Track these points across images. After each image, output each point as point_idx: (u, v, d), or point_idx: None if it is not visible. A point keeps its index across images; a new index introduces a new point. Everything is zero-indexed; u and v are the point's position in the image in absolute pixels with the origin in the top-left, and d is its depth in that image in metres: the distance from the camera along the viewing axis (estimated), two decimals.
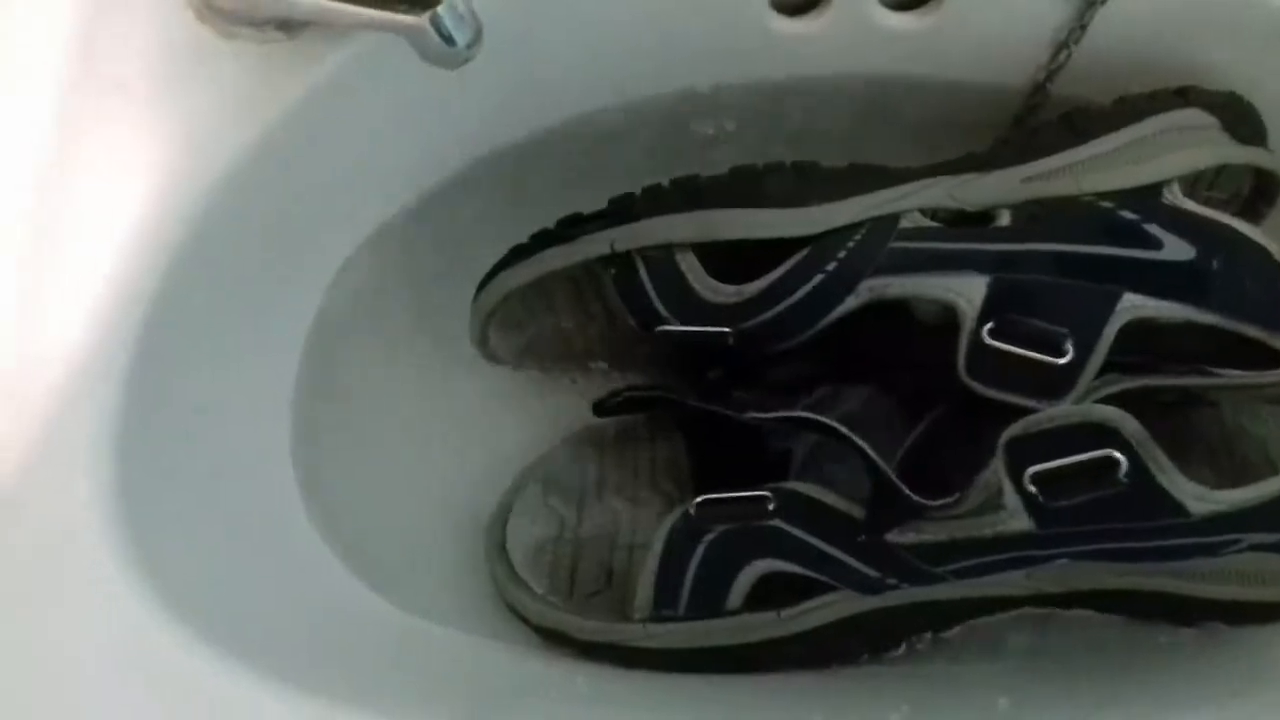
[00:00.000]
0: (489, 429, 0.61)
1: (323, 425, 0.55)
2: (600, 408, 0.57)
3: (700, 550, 0.50)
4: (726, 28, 0.54)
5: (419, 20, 0.38)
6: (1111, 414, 0.44)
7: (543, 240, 0.53)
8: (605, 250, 0.50)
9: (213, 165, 0.44)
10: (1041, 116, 0.55)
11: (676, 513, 0.51)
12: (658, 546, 0.51)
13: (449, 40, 0.39)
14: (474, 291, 0.55)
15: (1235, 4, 0.50)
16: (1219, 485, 0.45)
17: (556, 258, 0.52)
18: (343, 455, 0.57)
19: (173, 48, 0.44)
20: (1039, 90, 0.55)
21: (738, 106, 0.58)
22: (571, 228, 0.52)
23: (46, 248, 0.42)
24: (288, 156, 0.46)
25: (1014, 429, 0.45)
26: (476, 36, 0.39)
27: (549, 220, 0.54)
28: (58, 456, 0.41)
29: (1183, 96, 0.50)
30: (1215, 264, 0.46)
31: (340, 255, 0.55)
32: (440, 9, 0.38)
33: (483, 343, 0.56)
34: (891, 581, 0.48)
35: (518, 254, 0.53)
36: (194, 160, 0.44)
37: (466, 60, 0.40)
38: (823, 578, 0.49)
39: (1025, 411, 0.46)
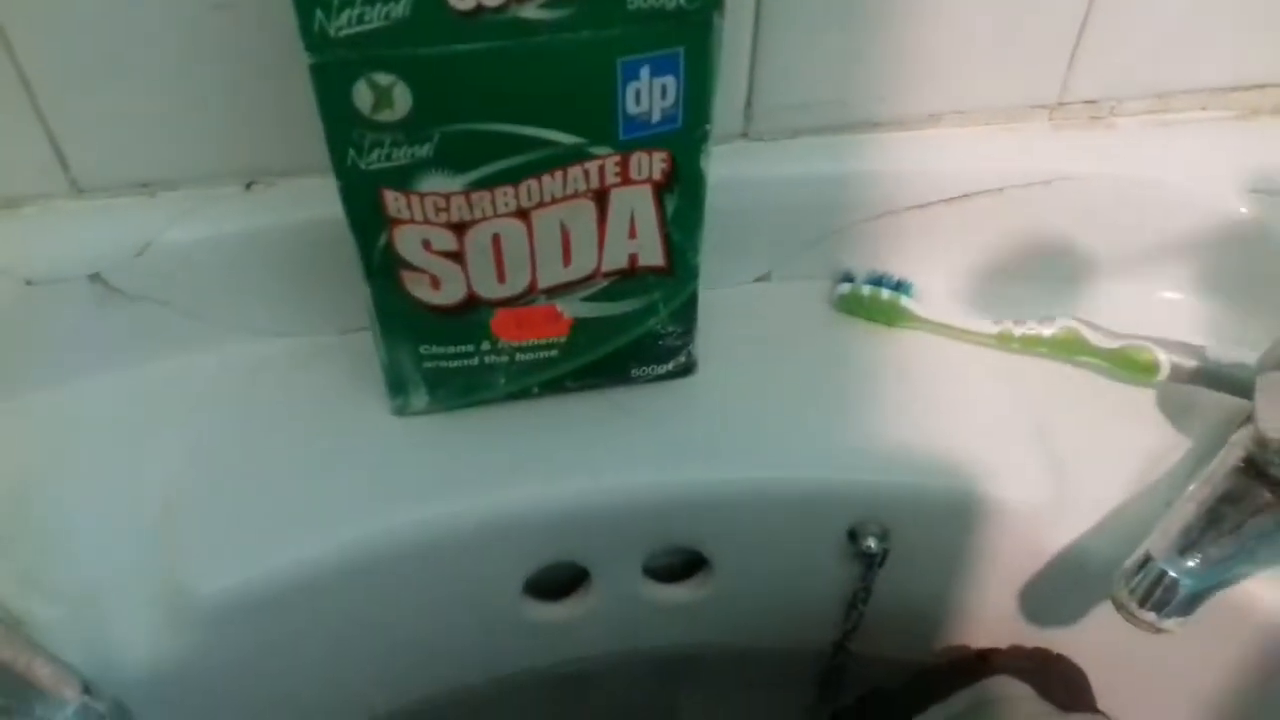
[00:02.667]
0: None
1: None
2: None
3: None
4: (480, 624, 0.47)
5: None
6: None
7: None
8: None
9: None
10: (848, 672, 0.48)
11: None
12: None
13: None
14: None
15: (1011, 549, 0.46)
16: None
17: None
18: None
19: None
20: (840, 649, 0.49)
21: (529, 689, 0.51)
22: None
23: None
24: None
25: None
26: None
27: None
28: None
29: (986, 662, 0.44)
30: None
31: None
32: None
33: None
34: None
35: None
36: None
37: None
38: None
39: None
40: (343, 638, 0.45)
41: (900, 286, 0.50)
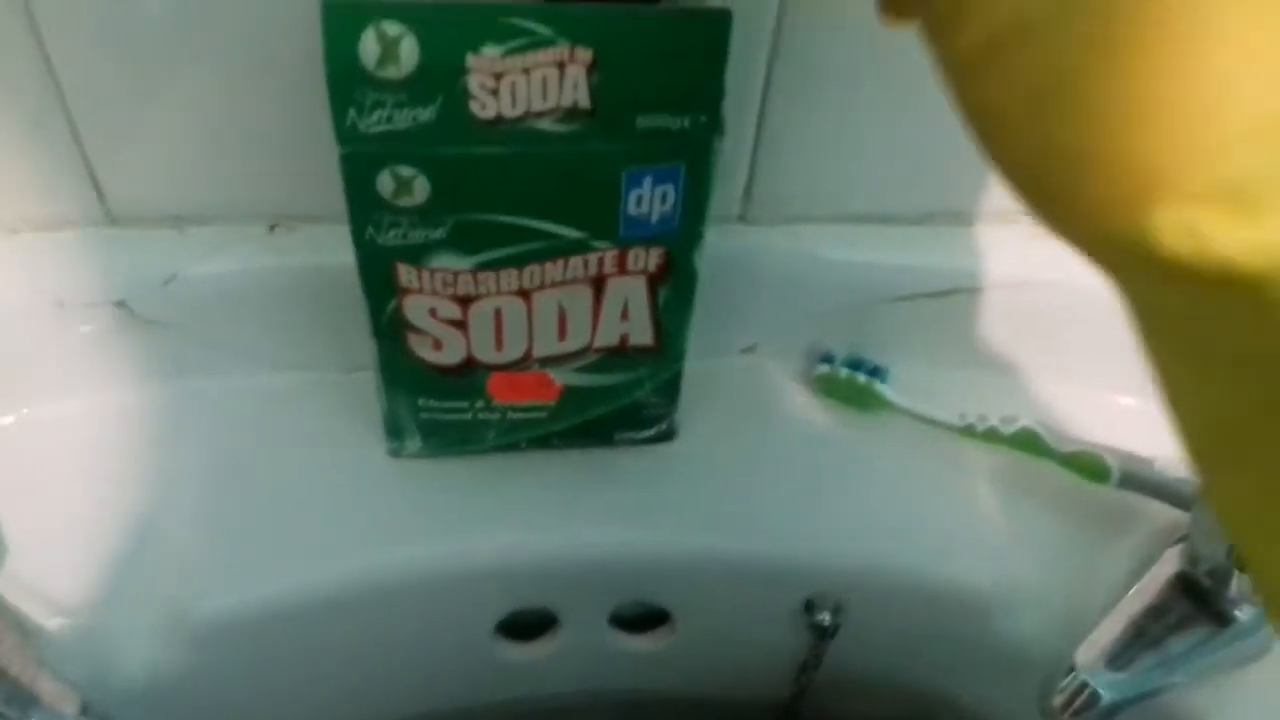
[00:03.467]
0: None
1: None
2: None
3: None
4: (453, 659, 0.50)
5: None
6: None
7: None
8: None
9: None
10: None
11: None
12: None
13: None
14: None
15: (957, 636, 0.49)
16: None
17: None
18: None
19: None
20: (790, 710, 0.52)
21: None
22: None
23: None
24: None
25: None
26: None
27: None
28: None
29: None
30: None
31: None
32: None
33: None
34: None
35: None
36: None
37: None
38: None
39: None
40: (324, 664, 0.48)
41: (876, 372, 0.53)
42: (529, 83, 0.35)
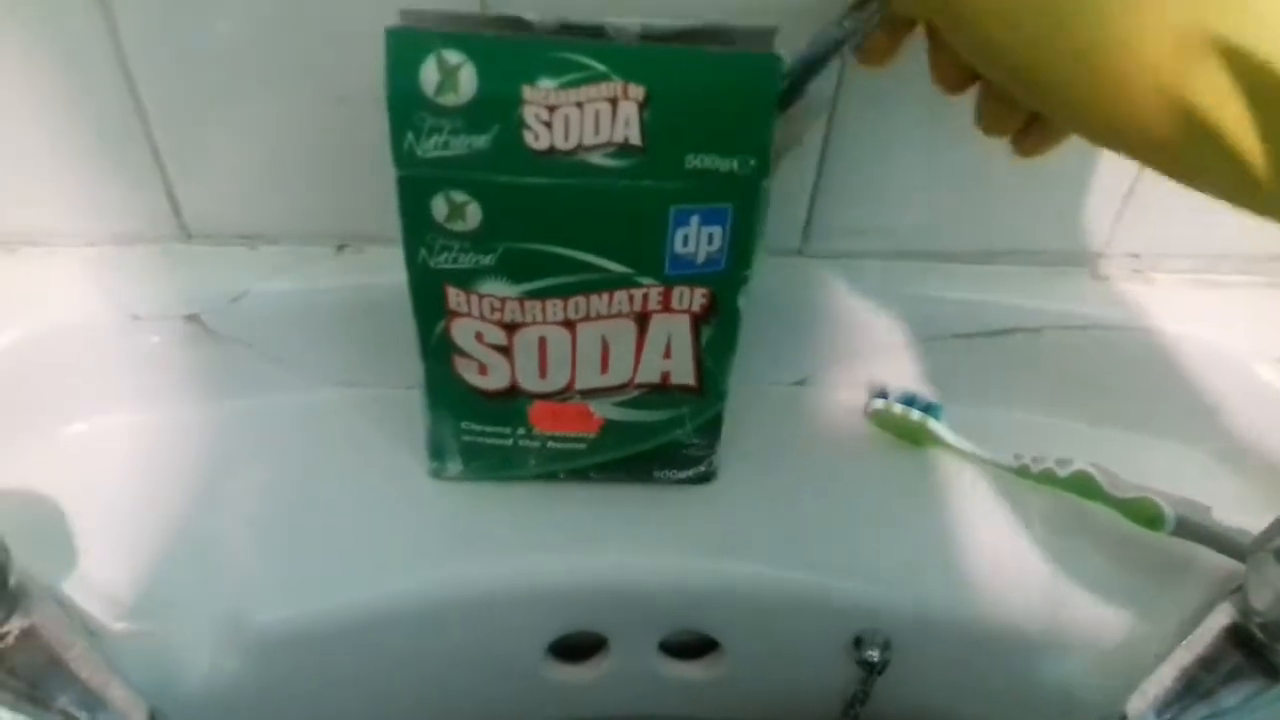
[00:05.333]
0: None
1: None
2: None
3: None
4: (504, 678, 0.51)
5: None
6: None
7: None
8: None
9: None
10: None
11: None
12: None
13: None
14: None
15: (1005, 677, 0.49)
16: None
17: None
18: None
19: None
20: None
21: None
22: None
23: None
24: None
25: None
26: None
27: None
28: None
29: None
30: None
31: None
32: None
33: None
34: None
35: None
36: None
37: None
38: None
39: None
40: (377, 680, 0.49)
41: (930, 409, 0.53)
42: (582, 116, 0.36)
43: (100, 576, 0.46)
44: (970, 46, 0.31)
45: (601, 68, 0.35)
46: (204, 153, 0.47)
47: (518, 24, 0.37)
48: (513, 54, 0.35)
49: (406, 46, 0.34)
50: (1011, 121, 0.36)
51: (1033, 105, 0.32)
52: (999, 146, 0.49)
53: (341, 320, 0.51)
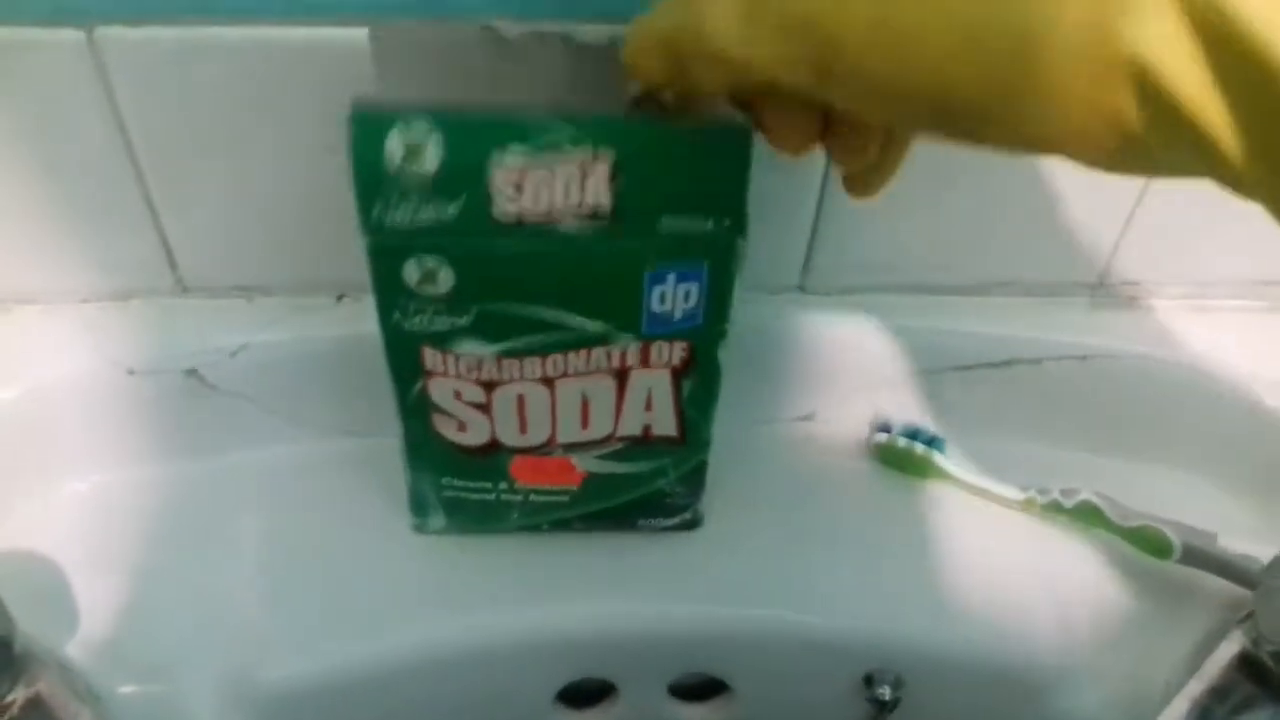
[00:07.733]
0: None
1: None
2: None
3: None
4: None
5: None
6: None
7: None
8: None
9: None
10: None
11: None
12: None
13: None
14: None
15: (1018, 713, 0.49)
16: None
17: None
18: None
19: None
20: None
21: None
22: None
23: None
24: None
25: None
26: None
27: None
28: None
29: None
30: None
31: None
32: None
33: None
34: None
35: None
36: None
37: None
38: None
39: None
40: None
41: (933, 442, 0.53)
42: (552, 184, 0.35)
43: (103, 637, 0.45)
44: (852, 87, 0.27)
45: (569, 136, 0.35)
46: (199, 205, 0.47)
47: (488, 33, 0.37)
48: (479, 124, 0.34)
49: (370, 123, 0.34)
50: (868, 155, 0.33)
51: (936, 132, 0.27)
52: (997, 181, 0.50)
53: (341, 370, 0.50)
